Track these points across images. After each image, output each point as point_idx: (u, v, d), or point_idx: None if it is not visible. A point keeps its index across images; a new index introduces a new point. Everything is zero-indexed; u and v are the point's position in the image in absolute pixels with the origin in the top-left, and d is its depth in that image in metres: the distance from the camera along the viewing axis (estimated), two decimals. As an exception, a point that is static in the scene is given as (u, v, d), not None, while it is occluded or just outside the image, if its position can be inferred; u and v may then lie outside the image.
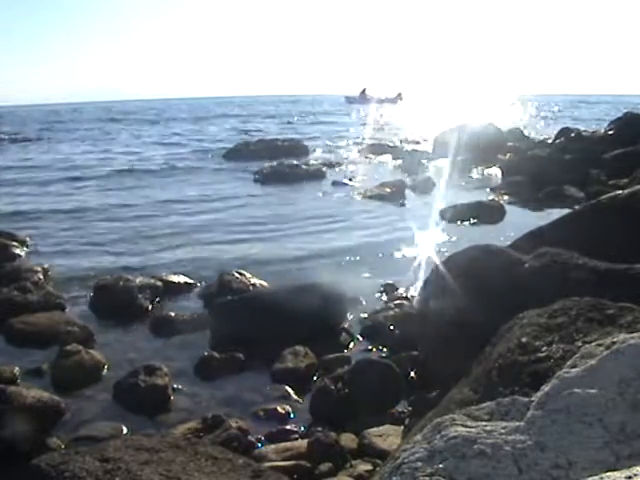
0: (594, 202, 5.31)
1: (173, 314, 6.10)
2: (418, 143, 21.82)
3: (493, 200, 11.67)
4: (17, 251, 8.39)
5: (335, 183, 14.89)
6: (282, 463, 3.52)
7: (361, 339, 5.59)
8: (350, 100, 66.02)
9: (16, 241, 8.73)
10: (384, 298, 6.54)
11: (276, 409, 4.31)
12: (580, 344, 2.31)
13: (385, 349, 5.30)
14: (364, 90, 67.12)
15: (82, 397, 4.58)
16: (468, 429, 1.61)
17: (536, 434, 1.56)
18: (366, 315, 5.97)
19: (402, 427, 3.93)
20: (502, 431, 1.58)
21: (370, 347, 5.40)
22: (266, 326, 5.31)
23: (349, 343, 5.52)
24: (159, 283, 6.81)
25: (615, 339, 1.83)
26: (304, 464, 3.53)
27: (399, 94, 69.31)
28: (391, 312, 5.81)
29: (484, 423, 1.65)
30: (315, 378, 4.82)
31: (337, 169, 17.58)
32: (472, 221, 10.14)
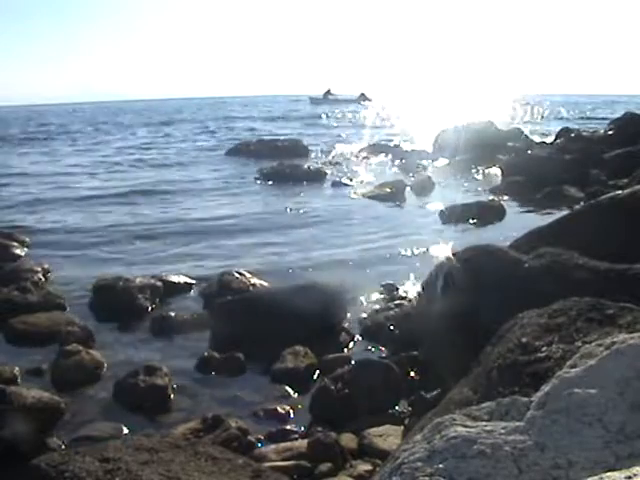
0: (594, 202, 5.31)
1: (173, 314, 6.10)
2: (418, 143, 21.80)
3: (493, 200, 11.66)
4: (17, 251, 8.39)
5: (335, 183, 14.88)
6: (282, 463, 3.52)
7: (361, 339, 5.58)
8: (314, 101, 66.25)
9: (16, 241, 8.73)
10: (384, 298, 6.54)
11: (276, 409, 4.31)
12: (580, 344, 2.31)
13: (385, 349, 5.30)
14: (328, 91, 67.61)
15: (82, 397, 4.58)
16: (468, 429, 1.61)
17: (536, 434, 1.56)
18: (366, 315, 5.97)
19: (402, 427, 3.93)
20: (502, 431, 1.58)
21: (370, 347, 5.40)
22: (266, 326, 5.31)
23: (349, 343, 5.52)
24: (159, 283, 6.81)
25: (615, 339, 1.83)
26: (304, 464, 3.53)
27: (362, 94, 70.19)
28: (391, 312, 5.81)
29: (484, 423, 1.65)
30: (315, 378, 4.82)
31: (337, 169, 17.58)
32: (472, 221, 10.14)
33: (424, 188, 13.66)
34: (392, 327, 5.53)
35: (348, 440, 3.80)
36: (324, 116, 44.42)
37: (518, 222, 9.38)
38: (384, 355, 5.14)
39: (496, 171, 15.69)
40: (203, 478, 2.59)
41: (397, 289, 6.76)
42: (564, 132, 19.57)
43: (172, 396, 4.57)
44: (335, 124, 38.26)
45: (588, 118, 37.19)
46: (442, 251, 7.93)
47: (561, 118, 38.86)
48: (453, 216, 10.33)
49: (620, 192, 5.24)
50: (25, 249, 8.68)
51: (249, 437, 3.90)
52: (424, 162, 17.93)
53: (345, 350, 5.37)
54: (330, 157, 20.49)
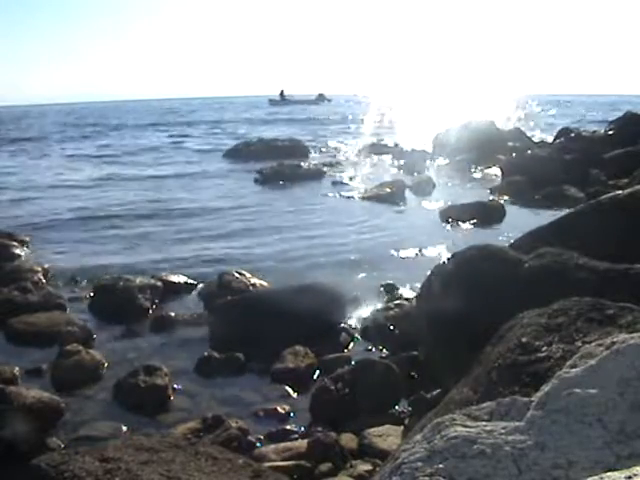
0: (594, 202, 5.31)
1: (173, 314, 6.10)
2: (418, 143, 21.81)
3: (493, 200, 11.66)
4: (17, 251, 8.39)
5: (335, 183, 14.89)
6: (282, 463, 3.52)
7: (361, 339, 5.59)
8: (273, 102, 66.97)
9: (16, 241, 8.73)
10: (384, 298, 6.54)
11: (276, 409, 4.32)
12: (580, 344, 2.31)
13: (385, 349, 5.30)
14: (282, 92, 68.58)
15: (82, 397, 4.58)
16: (468, 429, 1.60)
17: (536, 434, 1.56)
18: (366, 315, 5.97)
19: (402, 427, 3.93)
20: (502, 431, 1.58)
21: (370, 347, 5.40)
22: (266, 326, 5.31)
23: (349, 343, 5.52)
24: (159, 283, 6.81)
25: (615, 339, 1.83)
26: (304, 464, 3.53)
27: (320, 94, 71.55)
28: (391, 312, 5.81)
29: (484, 423, 1.65)
30: (315, 378, 4.82)
31: (337, 169, 17.58)
32: (472, 221, 10.13)
33: (424, 188, 13.67)
34: (392, 327, 5.53)
35: (348, 440, 3.80)
36: (320, 116, 44.33)
37: (518, 222, 9.38)
38: (384, 355, 5.14)
39: (496, 171, 15.70)
40: (203, 478, 2.59)
41: (397, 289, 6.76)
42: (564, 132, 19.56)
43: (172, 396, 4.57)
44: (334, 124, 38.24)
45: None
46: (442, 251, 7.93)
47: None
48: (453, 216, 10.33)
49: (620, 192, 5.24)
50: (25, 249, 8.68)
51: (249, 437, 3.90)
52: (424, 162, 17.92)
53: (345, 350, 5.36)
54: (330, 157, 20.49)
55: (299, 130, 33.09)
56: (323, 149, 23.15)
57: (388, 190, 12.99)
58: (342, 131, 32.79)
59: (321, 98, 70.98)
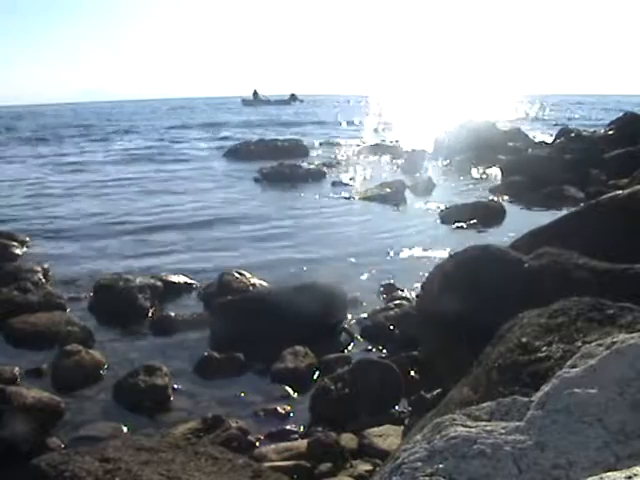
0: (594, 202, 5.31)
1: (173, 314, 6.10)
2: (418, 143, 21.81)
3: (493, 200, 11.66)
4: (17, 251, 8.39)
5: (335, 183, 14.89)
6: (282, 463, 3.52)
7: (361, 339, 5.59)
8: (247, 103, 67.22)
9: (16, 241, 8.73)
10: (384, 298, 6.54)
11: (276, 409, 4.32)
12: (580, 344, 2.31)
13: (385, 349, 5.30)
14: (255, 92, 68.95)
15: (82, 397, 4.59)
16: (468, 429, 1.60)
17: (536, 434, 1.56)
18: (366, 315, 5.97)
19: (402, 427, 3.93)
20: (502, 431, 1.58)
21: (370, 347, 5.40)
22: (266, 326, 5.31)
23: (349, 343, 5.53)
24: (159, 283, 6.81)
25: (615, 339, 1.83)
26: (304, 464, 3.53)
27: (292, 94, 72.55)
28: (391, 312, 5.81)
29: (484, 423, 1.65)
30: (315, 378, 4.83)
31: (337, 169, 17.58)
32: (472, 221, 10.13)
33: (424, 188, 13.66)
34: (392, 327, 5.53)
35: (348, 440, 3.80)
36: (319, 117, 44.20)
37: (518, 222, 9.38)
38: (384, 355, 5.14)
39: (496, 171, 15.70)
40: (203, 478, 2.59)
41: (397, 289, 6.76)
42: (564, 132, 19.57)
43: (172, 396, 4.57)
44: (333, 125, 38.23)
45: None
46: (442, 251, 7.93)
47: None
48: (453, 216, 10.33)
49: (620, 192, 5.24)
50: (25, 249, 8.68)
51: (249, 437, 3.90)
52: (424, 162, 17.92)
53: (345, 350, 5.37)
54: (330, 157, 20.49)
55: (297, 130, 33.09)
56: (323, 149, 23.13)
57: (388, 190, 12.98)
58: (341, 131, 32.78)
59: (293, 98, 71.41)
